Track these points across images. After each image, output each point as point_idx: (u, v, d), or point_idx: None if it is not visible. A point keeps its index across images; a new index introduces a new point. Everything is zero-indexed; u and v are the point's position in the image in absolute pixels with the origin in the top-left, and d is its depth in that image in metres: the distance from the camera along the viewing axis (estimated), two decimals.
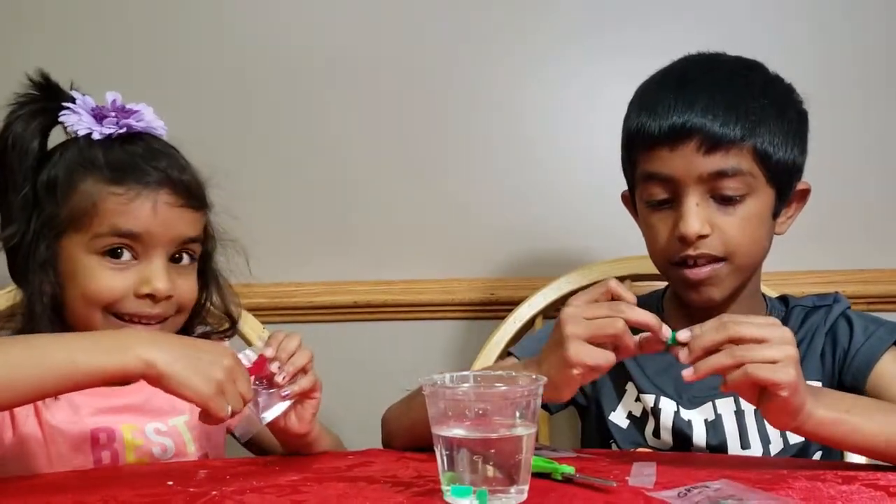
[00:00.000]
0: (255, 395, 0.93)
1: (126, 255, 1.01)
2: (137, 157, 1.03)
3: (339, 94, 1.63)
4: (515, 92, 1.63)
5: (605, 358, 0.90)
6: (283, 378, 0.95)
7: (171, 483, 0.87)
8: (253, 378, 0.93)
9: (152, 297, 1.02)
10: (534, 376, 0.81)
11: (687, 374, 0.87)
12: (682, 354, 0.87)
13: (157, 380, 0.84)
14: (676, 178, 1.06)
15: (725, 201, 1.06)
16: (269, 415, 0.95)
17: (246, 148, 1.62)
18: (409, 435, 1.06)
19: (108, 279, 1.00)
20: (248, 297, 1.51)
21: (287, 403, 0.96)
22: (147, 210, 1.01)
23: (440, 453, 0.79)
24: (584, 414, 1.25)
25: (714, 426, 1.11)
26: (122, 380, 0.86)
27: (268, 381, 0.95)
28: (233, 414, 0.87)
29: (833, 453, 1.11)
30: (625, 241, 1.46)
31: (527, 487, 0.79)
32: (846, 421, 0.89)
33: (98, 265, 1.01)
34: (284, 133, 1.63)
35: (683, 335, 0.88)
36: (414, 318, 1.64)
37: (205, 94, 1.61)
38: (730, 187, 1.05)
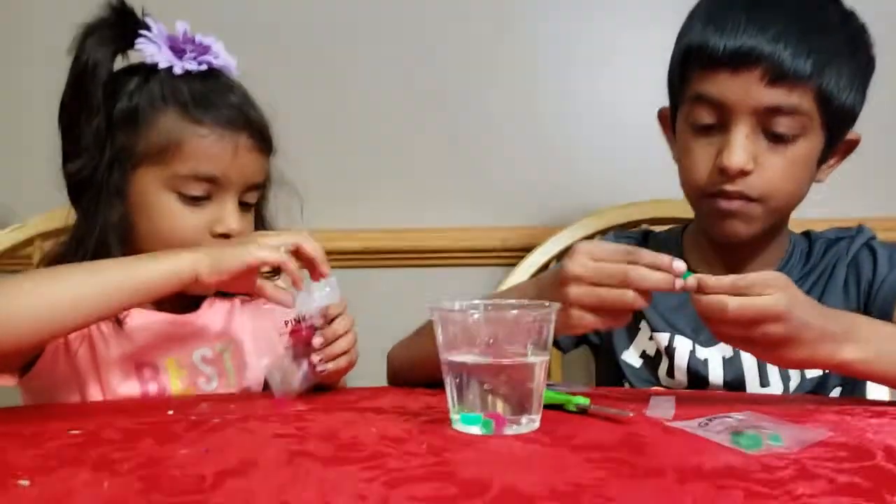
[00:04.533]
0: (290, 359, 0.93)
1: (201, 196, 0.99)
2: (219, 95, 1.01)
3: (379, 41, 1.60)
4: (528, 47, 1.59)
5: (604, 324, 0.85)
6: (319, 360, 0.94)
7: (171, 412, 0.84)
8: (291, 340, 0.92)
9: (227, 238, 1.00)
10: (546, 303, 0.77)
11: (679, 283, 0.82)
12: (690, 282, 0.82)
13: (208, 269, 0.87)
14: (730, 104, 0.99)
15: (776, 139, 1.00)
16: (301, 380, 0.94)
17: (288, 89, 1.57)
18: (414, 370, 1.03)
19: (185, 218, 0.99)
20: None
21: (316, 379, 0.95)
22: (228, 154, 0.99)
23: (449, 381, 0.76)
24: (596, 353, 1.22)
25: (731, 363, 1.07)
26: (177, 284, 0.87)
27: (304, 345, 0.94)
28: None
29: (855, 387, 1.07)
30: (635, 193, 1.45)
31: (539, 417, 0.76)
32: (880, 359, 0.85)
33: (174, 203, 0.99)
34: (327, 78, 1.60)
35: (689, 282, 0.82)
36: (426, 265, 1.61)
37: (251, 29, 1.56)
38: (784, 125, 0.99)
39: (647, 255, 0.83)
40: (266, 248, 0.89)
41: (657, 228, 1.26)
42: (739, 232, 1.04)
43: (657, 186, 1.39)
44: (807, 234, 1.17)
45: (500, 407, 0.74)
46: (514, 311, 0.77)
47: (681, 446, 0.71)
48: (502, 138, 1.60)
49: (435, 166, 1.62)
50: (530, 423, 0.75)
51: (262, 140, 1.04)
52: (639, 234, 1.22)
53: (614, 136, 1.59)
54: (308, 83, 1.59)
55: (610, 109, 1.59)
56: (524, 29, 1.59)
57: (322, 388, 0.98)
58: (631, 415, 0.78)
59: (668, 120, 1.13)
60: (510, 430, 0.74)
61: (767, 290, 0.80)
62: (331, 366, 0.94)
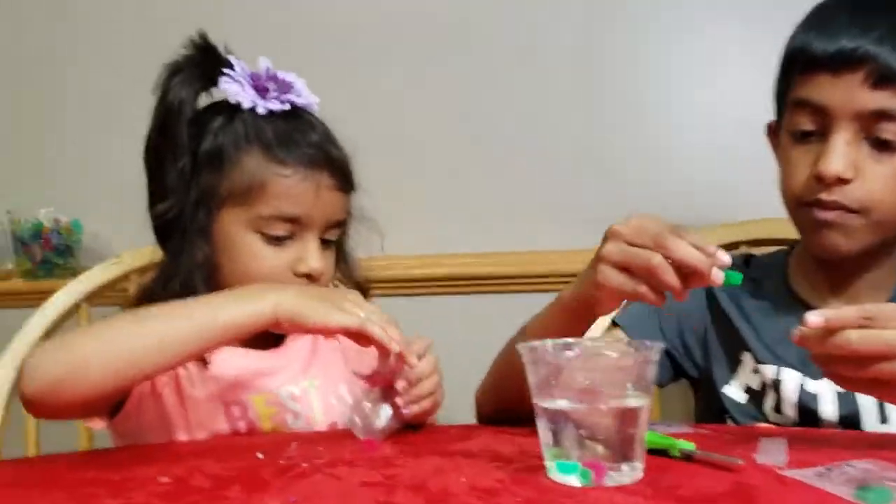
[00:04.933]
0: (372, 403, 0.90)
1: (285, 235, 0.99)
2: (301, 134, 1.01)
3: (438, 57, 1.57)
4: (629, 52, 1.53)
5: (631, 286, 0.79)
6: (405, 403, 0.91)
7: (260, 455, 0.83)
8: (371, 383, 0.91)
9: (309, 277, 1.00)
10: (648, 343, 0.73)
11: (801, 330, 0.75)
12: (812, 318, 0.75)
13: (287, 318, 0.85)
14: (831, 108, 0.94)
15: (881, 146, 0.94)
16: (384, 424, 0.90)
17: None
18: (497, 396, 1.00)
19: (268, 258, 0.99)
20: None
21: (401, 422, 0.92)
22: (311, 194, 0.99)
23: (543, 427, 0.72)
24: (696, 387, 1.15)
25: (846, 398, 1.00)
26: (258, 326, 0.86)
27: (387, 387, 0.91)
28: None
29: None
30: (731, 214, 1.37)
31: (642, 465, 0.71)
32: None
33: (257, 243, 0.99)
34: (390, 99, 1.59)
35: (813, 319, 0.73)
36: (512, 290, 1.57)
37: (330, 61, 1.58)
38: (890, 131, 0.93)
39: (694, 235, 0.78)
40: (350, 316, 0.85)
41: (758, 251, 1.20)
42: (838, 245, 0.97)
43: (756, 208, 1.32)
44: None
45: (599, 454, 0.70)
46: (614, 354, 0.73)
47: (797, 500, 0.65)
48: (591, 156, 1.56)
49: (524, 187, 1.57)
50: (632, 471, 0.70)
51: (344, 178, 1.03)
52: (739, 257, 1.16)
53: (711, 152, 1.52)
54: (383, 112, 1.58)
55: (706, 125, 1.53)
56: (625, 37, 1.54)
57: (410, 426, 0.95)
58: (741, 462, 0.73)
59: (775, 133, 1.07)
60: (610, 481, 0.69)
61: (893, 323, 0.73)
62: (415, 408, 0.91)
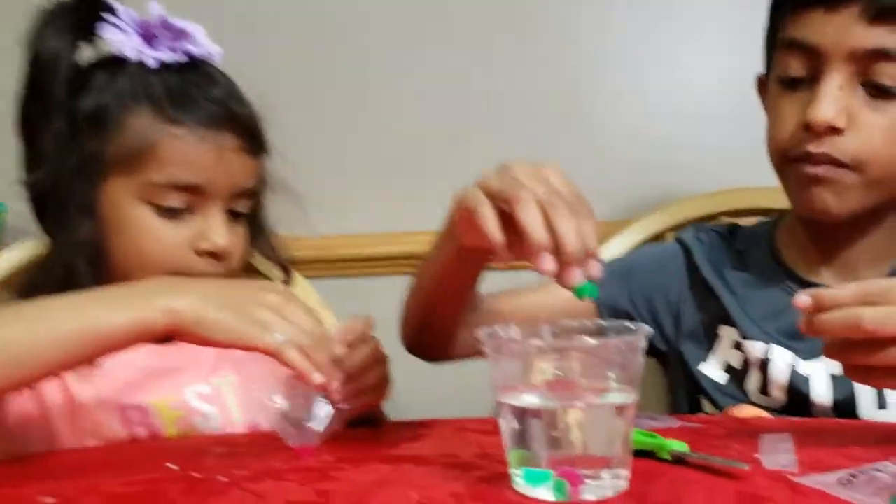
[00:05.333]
0: (303, 404, 0.74)
1: (182, 207, 0.86)
2: (199, 89, 0.87)
3: (396, 29, 1.43)
4: (601, 15, 1.41)
5: (483, 209, 0.67)
6: (343, 399, 0.74)
7: (173, 466, 0.69)
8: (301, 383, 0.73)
9: (214, 255, 0.86)
10: (632, 325, 0.60)
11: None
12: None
13: (185, 330, 0.69)
14: (823, 48, 0.84)
15: (879, 92, 0.83)
16: (320, 427, 0.74)
17: (291, 79, 1.42)
18: (419, 311, 0.94)
19: (163, 234, 0.86)
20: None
21: (340, 423, 0.76)
22: (212, 157, 0.86)
23: (507, 427, 0.59)
24: (664, 363, 1.04)
25: (841, 381, 0.89)
26: (146, 337, 0.70)
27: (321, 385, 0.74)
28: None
29: None
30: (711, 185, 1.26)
31: (627, 472, 0.59)
32: None
33: (150, 217, 0.86)
34: (337, 66, 1.43)
35: (803, 299, 0.63)
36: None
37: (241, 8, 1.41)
38: (889, 74, 0.82)
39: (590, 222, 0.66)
40: (263, 335, 0.69)
41: (742, 222, 1.08)
42: (828, 205, 0.86)
43: (735, 177, 1.23)
44: None
45: (576, 461, 0.57)
46: (592, 340, 0.60)
47: None
48: (555, 126, 1.43)
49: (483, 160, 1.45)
50: (616, 480, 0.58)
51: (251, 139, 0.89)
52: (724, 228, 1.04)
53: (686, 123, 1.40)
54: (305, 74, 1.43)
55: (682, 94, 1.41)
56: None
57: (354, 423, 0.82)
58: (746, 468, 0.61)
59: (765, 87, 0.96)
60: (590, 493, 0.57)
61: None
62: (357, 403, 0.76)
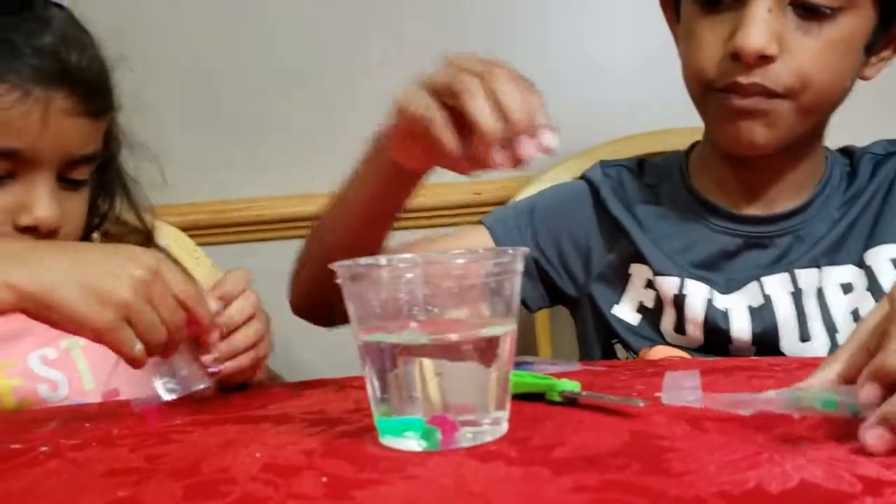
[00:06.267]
0: (164, 365, 0.65)
1: (2, 175, 0.74)
2: (25, 37, 0.74)
3: None
4: None
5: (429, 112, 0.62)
6: (213, 360, 0.67)
7: None
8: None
9: (35, 230, 0.75)
10: (510, 250, 0.52)
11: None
12: None
13: (30, 310, 0.58)
14: None
15: (809, 14, 0.76)
16: (175, 394, 0.65)
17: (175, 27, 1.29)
18: (321, 263, 0.82)
19: None
20: (185, 215, 1.28)
21: (209, 382, 0.68)
22: (35, 120, 0.73)
23: (369, 372, 0.51)
24: (575, 310, 0.97)
25: (761, 313, 0.84)
26: None
27: (190, 344, 0.66)
28: (150, 352, 0.60)
29: None
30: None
31: (506, 415, 0.51)
32: None
33: None
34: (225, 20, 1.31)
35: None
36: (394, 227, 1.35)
37: None
38: None
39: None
40: (101, 314, 0.58)
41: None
42: (757, 139, 0.80)
43: (649, 124, 1.16)
44: (846, 151, 0.93)
45: (448, 406, 0.49)
46: (460, 262, 0.52)
47: (718, 443, 0.46)
48: None
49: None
50: (494, 426, 0.50)
51: (91, 98, 0.77)
52: (632, 162, 0.97)
53: (594, 71, 1.33)
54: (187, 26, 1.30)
55: (589, 43, 1.33)
56: None
57: (228, 388, 0.73)
58: (641, 404, 0.53)
59: (671, 4, 0.88)
60: (465, 441, 0.49)
61: None
62: (230, 365, 0.68)
